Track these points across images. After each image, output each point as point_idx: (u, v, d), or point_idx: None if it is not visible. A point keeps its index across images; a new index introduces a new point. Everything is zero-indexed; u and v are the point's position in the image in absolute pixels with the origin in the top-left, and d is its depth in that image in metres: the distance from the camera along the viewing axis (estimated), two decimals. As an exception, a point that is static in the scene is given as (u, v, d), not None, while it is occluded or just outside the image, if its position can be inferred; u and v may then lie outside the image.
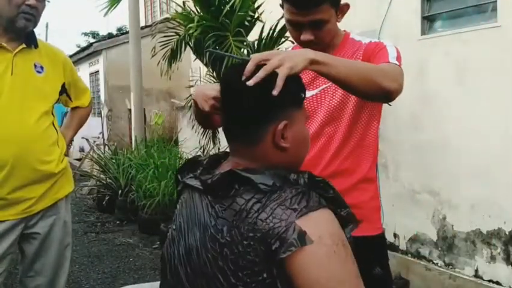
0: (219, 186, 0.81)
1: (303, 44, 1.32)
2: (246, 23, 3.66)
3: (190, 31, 3.55)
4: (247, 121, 0.85)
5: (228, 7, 3.43)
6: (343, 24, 1.37)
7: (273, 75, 0.83)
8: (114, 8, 6.07)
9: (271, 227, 0.73)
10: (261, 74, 0.83)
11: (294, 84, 0.89)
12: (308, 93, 1.29)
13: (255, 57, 0.87)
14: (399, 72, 1.22)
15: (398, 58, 1.27)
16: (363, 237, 1.32)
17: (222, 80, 0.94)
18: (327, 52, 1.33)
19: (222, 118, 0.92)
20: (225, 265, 0.76)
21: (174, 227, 0.91)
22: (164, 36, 4.05)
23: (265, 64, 0.85)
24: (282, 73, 0.84)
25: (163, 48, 4.02)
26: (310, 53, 0.99)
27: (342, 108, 1.34)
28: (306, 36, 1.28)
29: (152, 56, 4.04)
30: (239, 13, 3.45)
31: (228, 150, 0.94)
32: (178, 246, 0.87)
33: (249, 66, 0.85)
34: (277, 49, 3.18)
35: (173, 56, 3.98)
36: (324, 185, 0.82)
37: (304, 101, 0.93)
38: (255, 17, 3.65)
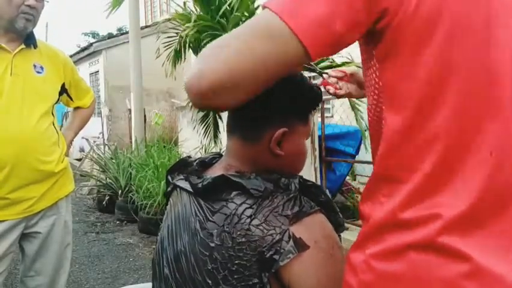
0: (210, 190, 0.80)
1: None
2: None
3: (187, 31, 3.56)
4: (252, 115, 0.82)
5: (225, 7, 3.45)
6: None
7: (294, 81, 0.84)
8: (115, 10, 6.13)
9: (265, 234, 0.72)
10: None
11: (308, 97, 0.87)
12: None
13: None
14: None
15: None
16: None
17: None
18: None
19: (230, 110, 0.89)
20: (214, 269, 0.75)
21: (163, 231, 0.89)
22: (167, 37, 4.07)
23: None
24: None
25: (166, 49, 4.04)
26: None
27: None
28: None
29: (157, 57, 4.08)
30: (236, 13, 3.47)
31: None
32: (166, 251, 0.85)
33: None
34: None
35: (177, 56, 4.00)
36: (315, 190, 0.81)
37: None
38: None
